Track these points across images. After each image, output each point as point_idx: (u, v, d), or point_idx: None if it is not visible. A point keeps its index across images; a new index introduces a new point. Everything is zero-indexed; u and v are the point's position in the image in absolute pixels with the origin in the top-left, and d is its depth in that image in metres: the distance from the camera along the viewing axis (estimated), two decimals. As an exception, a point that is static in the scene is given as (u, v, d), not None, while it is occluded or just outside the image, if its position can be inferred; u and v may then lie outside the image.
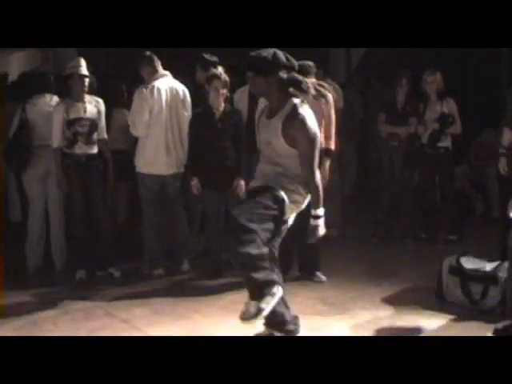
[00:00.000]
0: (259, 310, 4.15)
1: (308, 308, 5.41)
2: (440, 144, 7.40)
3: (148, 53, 6.43)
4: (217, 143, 6.18)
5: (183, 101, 6.48)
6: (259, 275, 4.11)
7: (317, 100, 5.62)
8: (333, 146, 6.06)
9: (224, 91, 6.21)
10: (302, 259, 6.34)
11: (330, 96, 6.02)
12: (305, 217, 4.48)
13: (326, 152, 5.93)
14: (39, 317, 5.47)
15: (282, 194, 4.24)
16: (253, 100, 5.92)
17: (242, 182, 6.20)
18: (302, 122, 4.17)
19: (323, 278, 6.21)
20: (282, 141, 4.21)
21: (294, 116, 4.18)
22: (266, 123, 4.36)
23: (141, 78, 6.53)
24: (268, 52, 4.19)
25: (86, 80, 6.37)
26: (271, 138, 4.28)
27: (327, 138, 6.01)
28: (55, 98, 6.63)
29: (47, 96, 6.64)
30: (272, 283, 4.18)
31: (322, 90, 5.89)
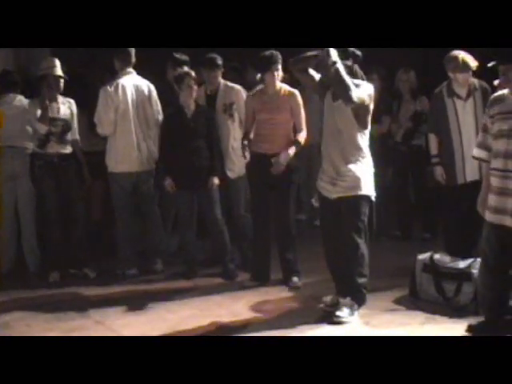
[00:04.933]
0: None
1: (281, 308, 5.45)
2: (414, 142, 7.45)
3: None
4: (190, 143, 6.15)
5: (149, 97, 6.45)
6: None
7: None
8: (301, 139, 5.90)
9: (196, 89, 6.20)
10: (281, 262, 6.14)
11: (296, 92, 5.92)
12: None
13: (293, 142, 5.89)
14: (12, 318, 5.42)
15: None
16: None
17: (217, 181, 6.20)
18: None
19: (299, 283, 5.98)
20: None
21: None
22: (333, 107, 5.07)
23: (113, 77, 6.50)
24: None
25: (61, 81, 6.34)
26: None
27: (298, 130, 5.91)
28: (19, 98, 6.56)
29: (11, 96, 6.57)
30: None
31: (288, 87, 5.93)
